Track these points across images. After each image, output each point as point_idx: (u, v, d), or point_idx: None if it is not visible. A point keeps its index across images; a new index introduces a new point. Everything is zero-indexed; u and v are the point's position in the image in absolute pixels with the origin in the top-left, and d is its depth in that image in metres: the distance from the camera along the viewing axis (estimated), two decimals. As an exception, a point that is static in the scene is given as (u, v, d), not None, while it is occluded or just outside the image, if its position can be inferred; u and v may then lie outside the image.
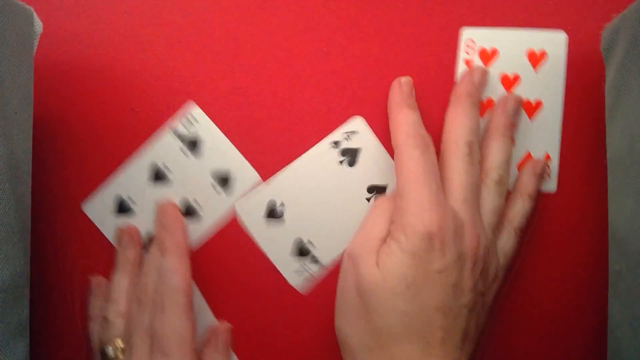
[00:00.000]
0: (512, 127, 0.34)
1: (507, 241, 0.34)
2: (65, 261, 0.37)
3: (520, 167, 0.35)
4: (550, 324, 0.36)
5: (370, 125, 0.36)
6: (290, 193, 0.36)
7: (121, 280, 0.35)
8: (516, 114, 0.35)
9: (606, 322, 0.31)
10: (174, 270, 0.32)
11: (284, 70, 0.36)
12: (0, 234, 0.27)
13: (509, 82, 0.35)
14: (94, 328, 0.35)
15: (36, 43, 0.31)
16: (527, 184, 0.35)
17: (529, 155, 0.35)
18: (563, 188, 0.36)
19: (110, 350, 0.33)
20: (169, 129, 0.36)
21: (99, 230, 0.36)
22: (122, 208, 0.36)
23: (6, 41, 0.28)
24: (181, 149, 0.36)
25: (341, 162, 0.35)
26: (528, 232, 0.35)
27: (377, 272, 0.31)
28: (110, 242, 0.36)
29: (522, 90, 0.35)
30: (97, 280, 0.36)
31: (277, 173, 0.36)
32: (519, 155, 0.36)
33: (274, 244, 0.36)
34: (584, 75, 0.35)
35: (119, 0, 0.37)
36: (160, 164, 0.36)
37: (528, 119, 0.35)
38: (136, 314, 0.33)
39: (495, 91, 0.35)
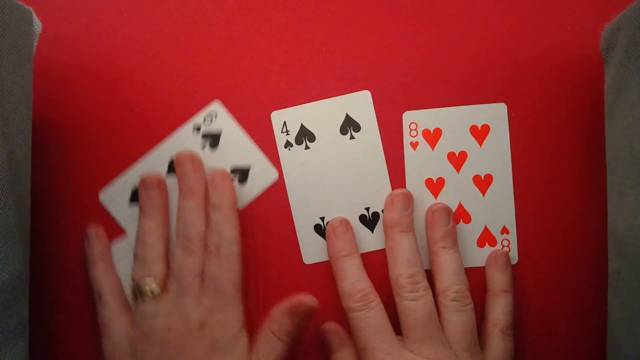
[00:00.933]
0: (449, 235, 0.34)
1: (498, 346, 0.34)
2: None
3: (479, 242, 0.36)
4: (551, 324, 0.36)
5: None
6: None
7: (151, 226, 0.35)
8: (446, 221, 0.35)
9: (606, 321, 0.31)
10: (228, 222, 0.34)
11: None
12: (-1, 233, 0.27)
13: (456, 159, 0.36)
14: (98, 271, 0.35)
15: (35, 43, 0.31)
16: (498, 281, 0.35)
17: (486, 230, 0.36)
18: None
19: (151, 286, 0.33)
20: (190, 124, 0.36)
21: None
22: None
23: (5, 41, 0.28)
24: (201, 144, 0.36)
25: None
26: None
27: None
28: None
29: (471, 166, 0.36)
30: (94, 229, 0.36)
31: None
32: (476, 231, 0.36)
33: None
34: (584, 75, 0.35)
35: (119, 0, 0.37)
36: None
37: (481, 194, 0.36)
38: (182, 259, 0.34)
39: (446, 169, 0.36)
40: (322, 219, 0.36)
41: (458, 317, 0.33)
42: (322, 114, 0.36)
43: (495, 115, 0.35)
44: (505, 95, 0.35)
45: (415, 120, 0.36)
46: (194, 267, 0.33)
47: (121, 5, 0.37)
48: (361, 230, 0.36)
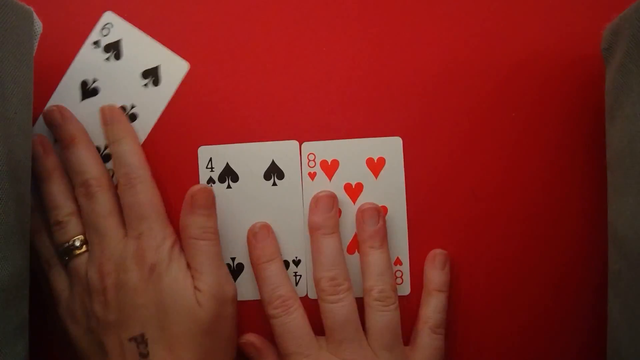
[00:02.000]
0: (377, 234, 0.35)
1: (426, 343, 0.34)
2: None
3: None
4: (551, 324, 0.36)
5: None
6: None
7: (54, 187, 0.34)
8: (375, 221, 0.35)
9: (606, 322, 0.31)
10: (132, 151, 0.34)
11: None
12: (-1, 233, 0.27)
13: (352, 190, 0.36)
14: (42, 238, 0.35)
15: (36, 43, 0.31)
16: (433, 280, 0.35)
17: None
18: (563, 188, 0.36)
19: (75, 242, 0.33)
20: (89, 41, 0.36)
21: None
22: None
23: (6, 41, 0.28)
24: (106, 58, 0.36)
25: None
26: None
27: None
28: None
29: (366, 198, 0.36)
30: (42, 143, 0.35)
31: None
32: None
33: None
34: (584, 75, 0.35)
35: (119, 0, 0.37)
36: (88, 79, 0.36)
37: None
38: (88, 205, 0.33)
39: (342, 200, 0.36)
40: (233, 259, 0.36)
41: (379, 317, 0.33)
42: (248, 157, 0.36)
43: (390, 148, 0.36)
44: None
45: (313, 150, 0.36)
46: (103, 208, 0.33)
47: (121, 5, 0.37)
48: None
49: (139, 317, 0.32)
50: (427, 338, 0.34)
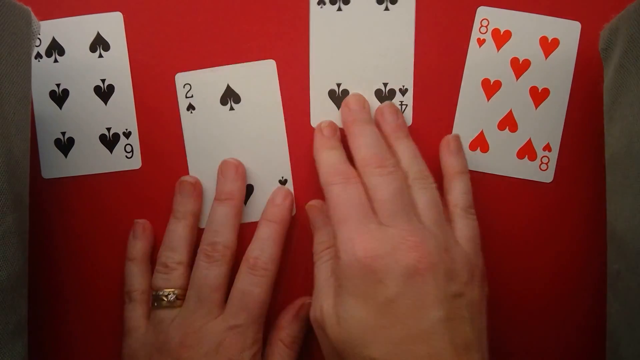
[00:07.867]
0: (403, 127, 0.35)
1: (463, 226, 0.33)
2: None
3: (519, 154, 0.35)
4: (550, 324, 0.36)
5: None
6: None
7: (179, 230, 0.35)
8: (398, 117, 0.35)
9: (605, 322, 0.31)
10: (274, 240, 0.34)
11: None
12: (-3, 234, 0.27)
13: (518, 66, 0.35)
14: (133, 269, 0.35)
15: (34, 43, 0.31)
16: (453, 164, 0.34)
17: (529, 143, 0.35)
18: (562, 187, 0.36)
19: (169, 296, 0.33)
20: (35, 56, 0.35)
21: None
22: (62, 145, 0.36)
23: (4, 41, 0.28)
24: (54, 61, 0.36)
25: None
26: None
27: (341, 331, 0.30)
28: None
29: (531, 76, 0.35)
30: (142, 223, 0.36)
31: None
32: (519, 142, 0.35)
33: None
34: (584, 74, 0.35)
35: (118, 0, 0.37)
36: (55, 88, 0.36)
37: (533, 106, 0.35)
38: (204, 268, 0.33)
39: (505, 74, 0.35)
40: (339, 85, 0.35)
41: (422, 194, 0.32)
42: None
43: (568, 31, 0.35)
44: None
45: (488, 17, 0.35)
46: (216, 280, 0.33)
47: (121, 5, 0.37)
48: (373, 104, 0.35)
49: None
50: (462, 219, 0.33)
